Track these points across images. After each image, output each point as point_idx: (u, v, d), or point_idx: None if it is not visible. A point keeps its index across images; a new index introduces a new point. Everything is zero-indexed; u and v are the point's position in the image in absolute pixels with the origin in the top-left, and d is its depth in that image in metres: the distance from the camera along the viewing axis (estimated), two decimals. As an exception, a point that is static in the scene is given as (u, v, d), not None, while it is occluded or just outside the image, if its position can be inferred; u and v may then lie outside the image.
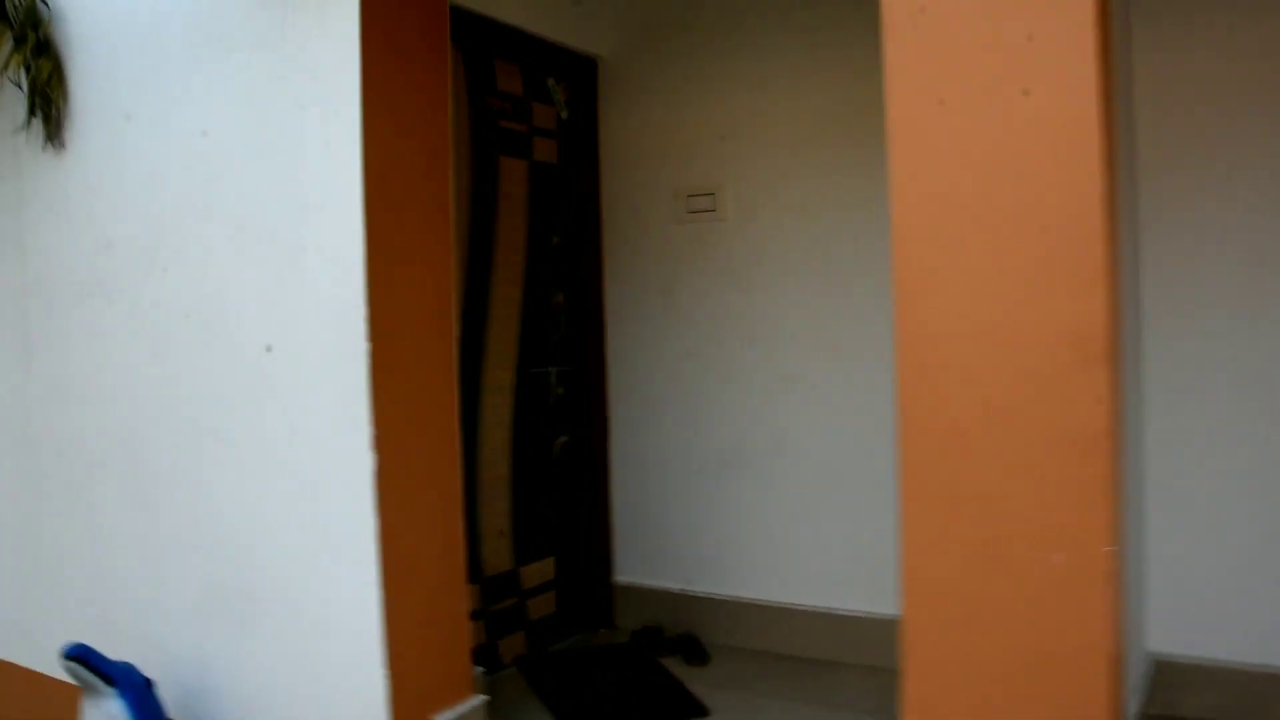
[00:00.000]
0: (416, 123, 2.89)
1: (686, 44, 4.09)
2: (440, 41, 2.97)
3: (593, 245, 4.29)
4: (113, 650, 3.20)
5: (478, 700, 3.03)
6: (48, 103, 3.34)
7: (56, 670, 3.02)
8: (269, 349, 2.91)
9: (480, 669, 3.25)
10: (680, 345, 4.14)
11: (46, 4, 3.37)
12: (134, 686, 2.89)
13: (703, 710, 3.36)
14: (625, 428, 4.31)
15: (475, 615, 3.70)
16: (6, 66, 3.36)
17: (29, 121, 3.42)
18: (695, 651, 3.87)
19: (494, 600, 3.80)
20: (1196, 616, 3.11)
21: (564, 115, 4.20)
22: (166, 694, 3.15)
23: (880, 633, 3.53)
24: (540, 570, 4.06)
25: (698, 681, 3.64)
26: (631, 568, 4.31)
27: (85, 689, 2.86)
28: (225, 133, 2.98)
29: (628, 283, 4.26)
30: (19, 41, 3.32)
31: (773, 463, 3.95)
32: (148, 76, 3.17)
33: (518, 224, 3.95)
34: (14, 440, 3.69)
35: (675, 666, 3.79)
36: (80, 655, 2.84)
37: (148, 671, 3.13)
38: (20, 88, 3.37)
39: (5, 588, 3.77)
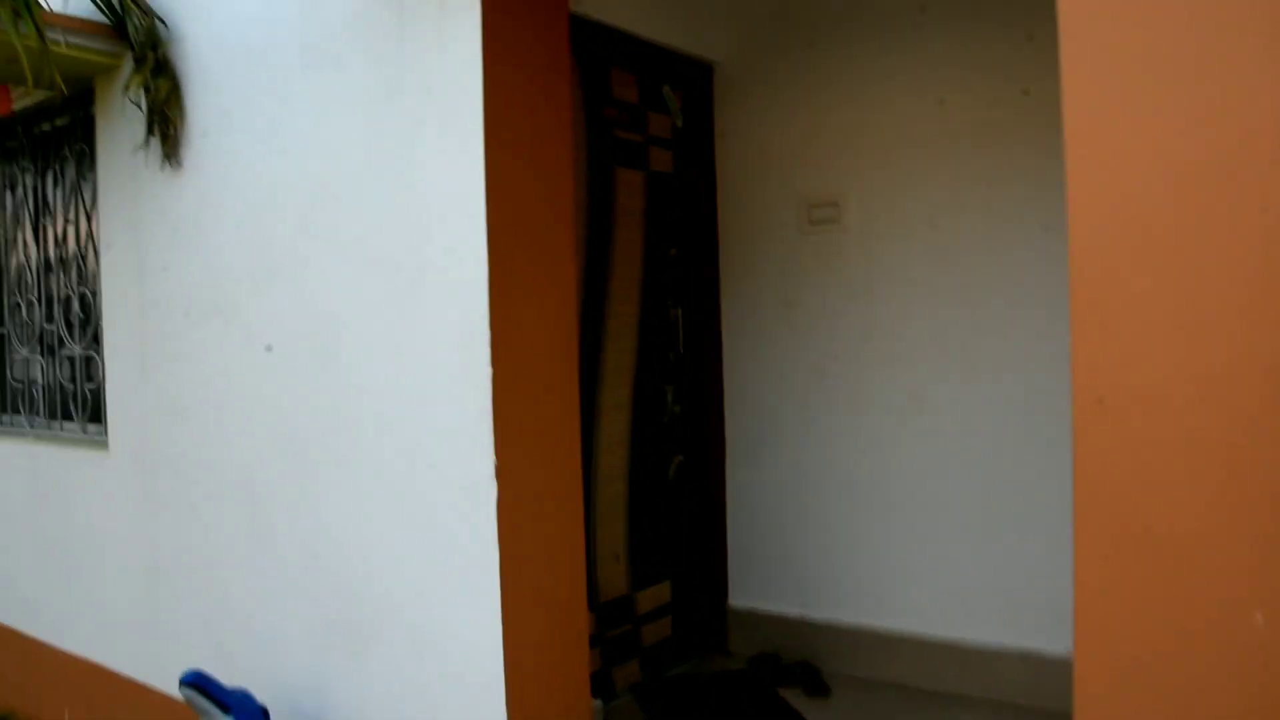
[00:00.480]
0: (539, 139, 2.78)
1: (805, 47, 3.90)
2: (561, 53, 2.85)
3: (709, 258, 4.14)
4: (230, 676, 3.18)
5: (600, 737, 2.91)
6: (165, 122, 3.33)
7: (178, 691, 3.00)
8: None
9: (598, 701, 3.13)
10: (800, 361, 3.96)
11: (165, 24, 3.36)
12: (250, 714, 2.85)
13: (832, 751, 3.19)
14: (742, 446, 4.15)
15: (592, 643, 3.58)
16: (128, 87, 3.36)
17: (147, 141, 3.42)
18: (815, 683, 3.69)
19: (610, 626, 3.68)
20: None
21: (679, 124, 4.05)
22: (281, 716, 3.11)
23: (1009, 666, 3.31)
24: (656, 595, 3.92)
25: (818, 715, 3.46)
26: (747, 591, 4.14)
27: (201, 716, 2.82)
28: (341, 152, 2.91)
29: (745, 296, 4.10)
30: (139, 62, 3.31)
31: (896, 484, 3.74)
32: (262, 96, 3.12)
33: (634, 237, 3.83)
34: (133, 458, 3.70)
35: (795, 699, 3.62)
36: (197, 682, 2.81)
37: (264, 699, 3.09)
38: (139, 107, 3.36)
39: (128, 606, 3.78)
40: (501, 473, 2.61)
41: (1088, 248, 1.82)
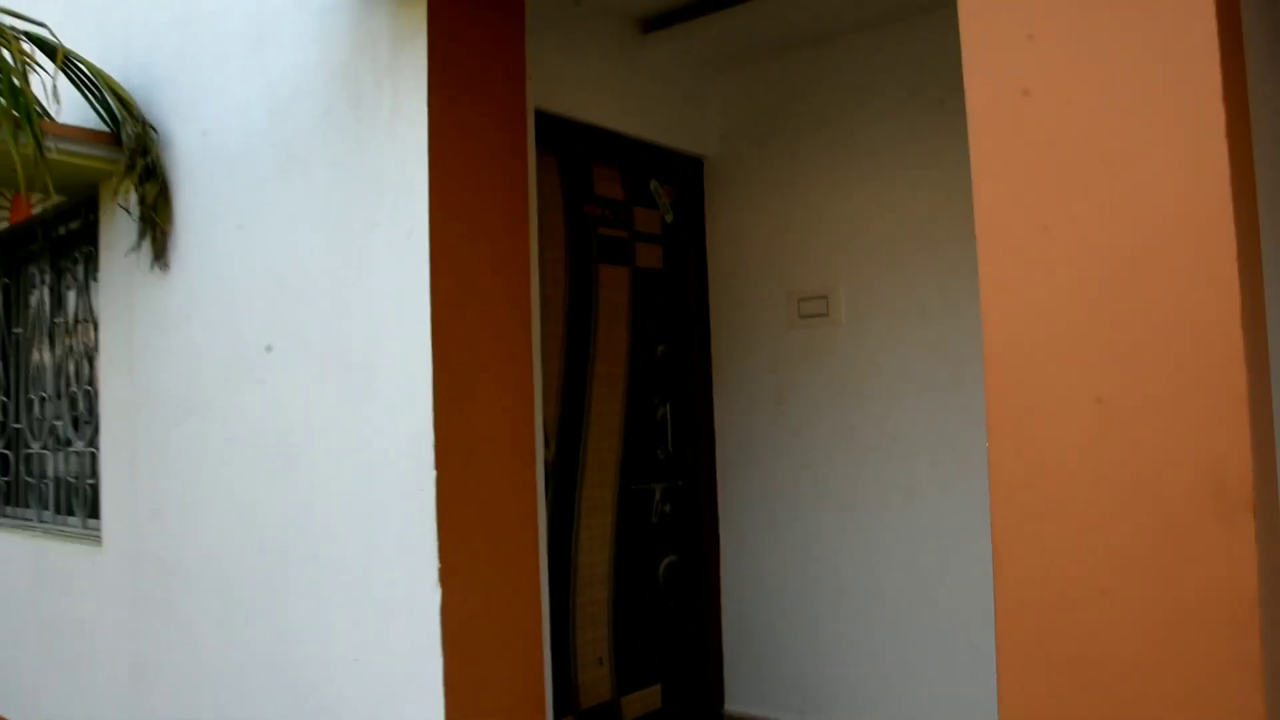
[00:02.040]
0: (493, 236, 2.79)
1: (796, 139, 3.90)
2: (518, 151, 2.88)
3: (701, 353, 4.09)
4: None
5: None
6: (154, 225, 3.43)
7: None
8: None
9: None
10: (793, 458, 3.86)
11: (156, 130, 3.49)
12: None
13: None
14: (736, 546, 4.04)
15: (569, 750, 3.47)
16: (116, 192, 3.48)
17: (139, 243, 3.52)
18: (809, 799, 3.50)
19: (590, 733, 3.56)
20: None
21: (669, 218, 4.06)
22: (242, 829, 3.04)
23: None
24: (644, 699, 3.80)
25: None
26: (744, 696, 3.99)
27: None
28: (305, 253, 2.96)
29: (738, 392, 4.04)
30: (129, 168, 3.44)
31: (889, 582, 3.59)
32: (239, 198, 3.21)
33: (619, 334, 3.80)
34: (122, 554, 3.73)
35: (787, 816, 3.43)
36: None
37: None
38: (128, 212, 3.48)
39: (112, 701, 3.77)
40: (445, 575, 2.56)
41: (1002, 354, 1.75)
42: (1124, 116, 1.58)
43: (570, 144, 3.63)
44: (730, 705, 4.01)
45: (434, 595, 2.55)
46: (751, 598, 3.98)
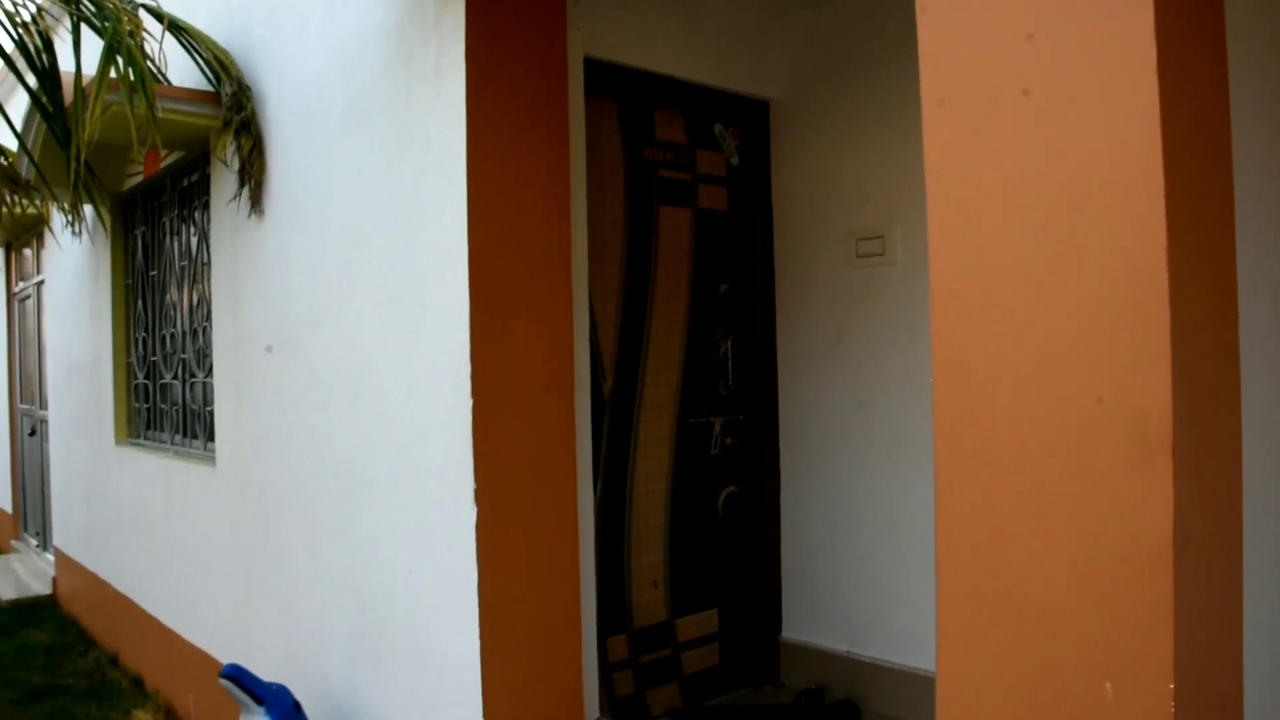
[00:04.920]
0: (532, 182, 2.96)
1: (861, 80, 3.89)
2: (559, 98, 3.03)
3: (765, 291, 4.18)
4: (290, 670, 3.53)
5: (587, 755, 3.02)
6: (249, 176, 3.75)
7: (265, 676, 3.38)
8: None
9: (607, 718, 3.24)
10: (850, 397, 3.93)
11: (249, 88, 3.79)
12: (282, 707, 3.15)
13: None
14: (796, 479, 4.15)
15: (622, 666, 3.70)
16: (215, 146, 3.81)
17: (238, 193, 3.86)
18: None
19: (644, 651, 3.78)
20: None
21: (734, 161, 4.13)
22: (322, 714, 3.41)
23: None
24: (700, 623, 3.98)
25: (848, 756, 3.42)
26: (800, 625, 4.13)
27: (240, 705, 3.15)
28: (371, 201, 3.20)
29: (800, 330, 4.11)
30: (226, 124, 3.76)
31: (943, 524, 3.64)
32: (316, 151, 3.48)
33: (679, 273, 3.93)
34: (231, 476, 4.15)
35: (829, 737, 3.58)
36: (233, 675, 3.14)
37: (308, 695, 3.41)
38: (225, 164, 3.81)
39: (228, 606, 4.23)
40: (480, 496, 2.79)
41: (947, 289, 1.81)
42: (1059, 60, 1.60)
43: (630, 90, 3.75)
44: (788, 633, 4.16)
45: (470, 514, 2.79)
46: (808, 530, 4.09)
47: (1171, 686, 1.50)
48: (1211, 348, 1.70)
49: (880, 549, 3.84)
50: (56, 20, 4.14)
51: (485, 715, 2.78)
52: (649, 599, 3.82)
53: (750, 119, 4.18)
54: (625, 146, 3.76)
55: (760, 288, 4.18)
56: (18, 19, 3.55)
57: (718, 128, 4.08)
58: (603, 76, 3.59)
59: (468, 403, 2.79)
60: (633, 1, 3.67)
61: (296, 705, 3.20)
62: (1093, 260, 1.57)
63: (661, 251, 3.87)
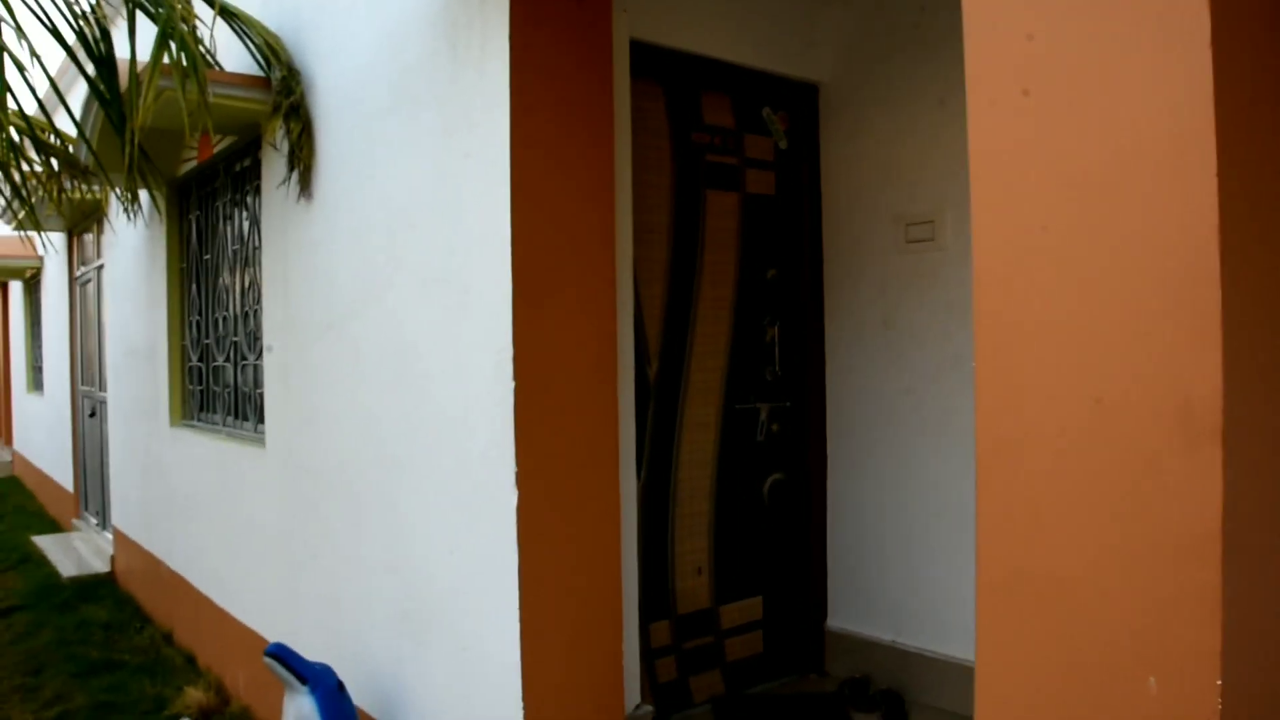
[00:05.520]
0: (575, 165, 2.95)
1: (910, 65, 3.83)
2: (603, 82, 3.01)
3: (813, 276, 4.13)
4: (335, 650, 3.57)
5: (626, 739, 3.02)
6: (298, 160, 3.79)
7: (312, 656, 3.43)
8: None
9: (648, 706, 3.23)
10: (898, 383, 3.88)
11: (298, 72, 3.83)
12: (325, 687, 3.18)
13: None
14: (843, 466, 4.10)
15: (665, 652, 3.69)
16: (265, 130, 3.85)
17: (288, 176, 3.90)
18: (895, 711, 3.60)
19: (687, 637, 3.77)
20: None
21: (783, 145, 4.09)
22: (367, 695, 3.45)
23: None
24: (744, 610, 3.96)
25: (891, 747, 3.38)
26: (846, 613, 4.09)
27: (285, 684, 3.19)
28: (415, 184, 3.21)
29: (848, 315, 4.06)
30: (275, 109, 3.79)
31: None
32: (362, 134, 3.50)
33: (726, 258, 3.90)
34: (279, 457, 4.21)
35: (872, 727, 3.55)
36: (278, 654, 3.18)
37: (352, 674, 3.45)
38: (274, 147, 3.85)
39: (276, 585, 4.30)
40: (521, 479, 2.79)
41: (991, 274, 1.76)
42: (1109, 42, 1.55)
43: (677, 74, 3.72)
44: (833, 621, 4.13)
45: (511, 497, 2.79)
46: (855, 518, 4.05)
47: (1219, 683, 1.45)
48: (1265, 333, 1.63)
49: (927, 537, 3.78)
50: (115, 10, 4.21)
51: (524, 697, 2.79)
52: (692, 585, 3.81)
53: (799, 103, 4.13)
54: (672, 130, 3.73)
55: (808, 273, 4.13)
56: (77, 9, 3.61)
57: (766, 111, 4.04)
58: (649, 60, 3.56)
59: (510, 386, 2.79)
60: (681, -17, 3.64)
61: (340, 685, 3.24)
62: (1139, 243, 1.52)
63: (708, 236, 3.84)
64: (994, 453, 1.76)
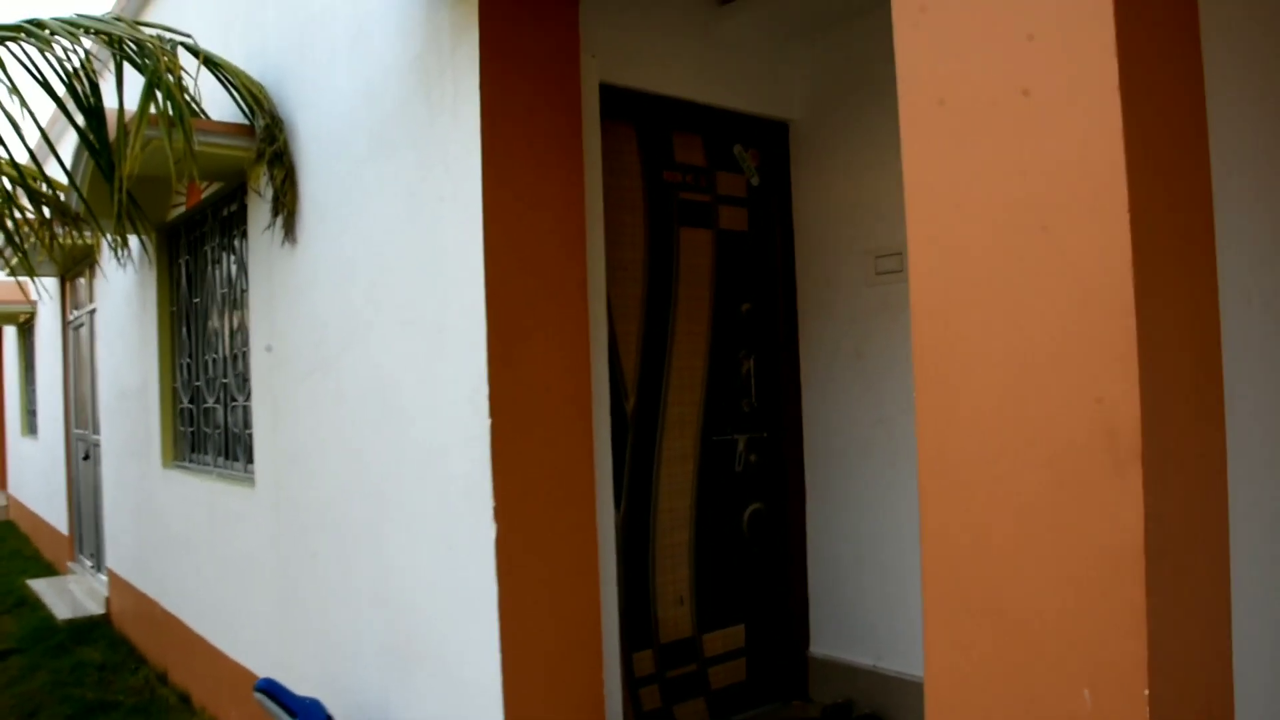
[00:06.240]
0: (548, 206, 3.05)
1: (880, 100, 3.93)
2: (573, 124, 3.12)
3: (787, 309, 4.23)
4: (326, 683, 3.63)
5: (608, 768, 3.07)
6: (282, 205, 3.89)
7: (304, 690, 3.49)
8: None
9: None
10: (873, 412, 3.96)
11: (280, 120, 3.94)
12: (313, 722, 3.24)
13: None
14: (821, 495, 4.18)
15: (648, 680, 3.75)
16: (249, 176, 3.96)
17: (272, 221, 4.00)
18: (876, 737, 3.65)
19: (671, 666, 3.82)
20: None
21: (754, 182, 4.20)
22: (354, 730, 3.50)
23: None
24: (726, 638, 4.02)
25: (871, 771, 3.43)
26: (828, 639, 4.15)
27: (274, 719, 3.25)
28: (394, 227, 3.31)
29: (821, 347, 4.16)
30: (259, 155, 3.90)
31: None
32: (344, 180, 3.60)
33: (700, 293, 4.00)
34: (269, 495, 4.28)
35: (854, 752, 3.60)
36: (267, 689, 3.24)
37: (342, 707, 3.50)
38: (259, 194, 3.95)
39: (265, 622, 4.35)
40: (499, 513, 2.87)
41: (927, 305, 1.85)
42: (1024, 90, 1.65)
43: (649, 115, 3.83)
44: (815, 648, 4.18)
45: (490, 530, 2.86)
46: (834, 545, 4.12)
47: (1146, 693, 1.52)
48: (1188, 357, 1.72)
49: (905, 563, 3.85)
50: (103, 65, 4.33)
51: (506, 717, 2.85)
52: (675, 614, 3.87)
53: (770, 140, 4.24)
54: (644, 169, 3.84)
55: (782, 306, 4.22)
56: (68, 65, 3.72)
57: (737, 149, 4.15)
58: (621, 102, 3.68)
59: (486, 422, 2.87)
60: (649, 29, 3.75)
61: (329, 718, 3.29)
62: (1062, 275, 1.61)
63: (683, 272, 3.94)
64: (936, 478, 1.84)
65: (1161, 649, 1.58)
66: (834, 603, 4.12)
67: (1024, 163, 1.67)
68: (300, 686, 3.77)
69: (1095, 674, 1.59)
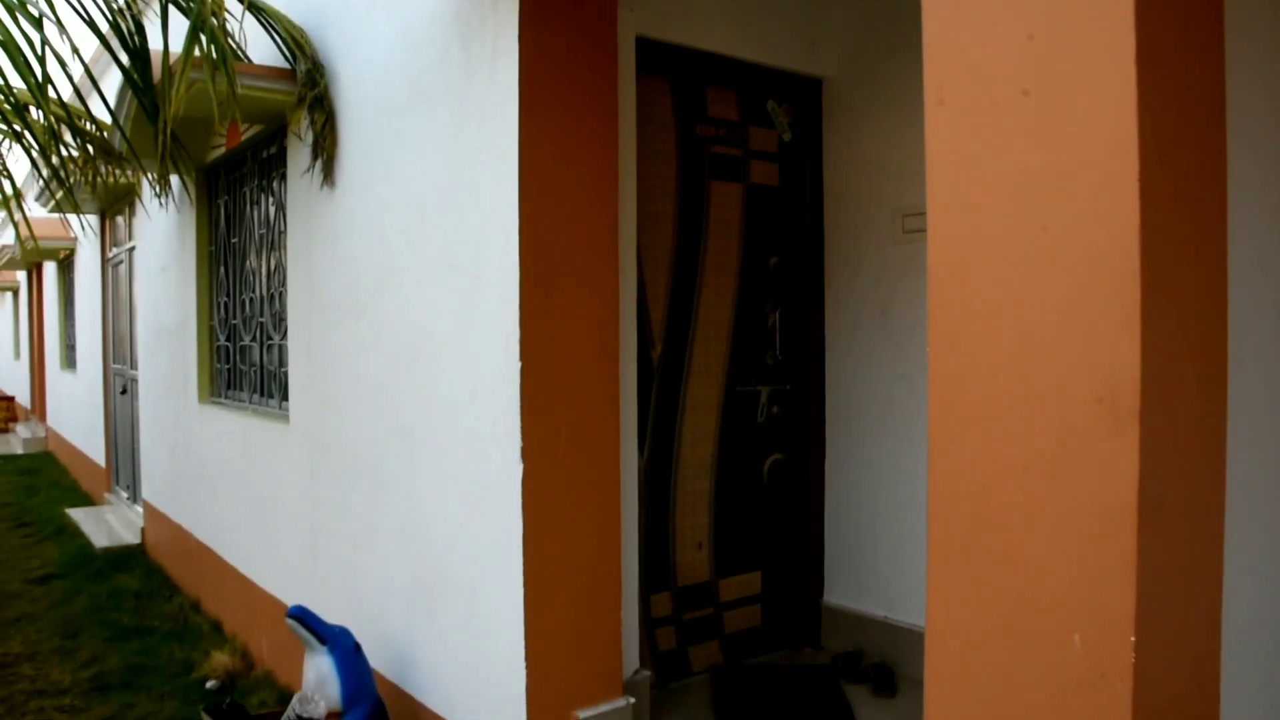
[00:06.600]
0: (581, 158, 3.11)
1: (913, 61, 3.92)
2: (608, 77, 3.17)
3: (814, 265, 4.28)
4: (353, 615, 3.78)
5: (623, 702, 3.20)
6: (321, 149, 3.98)
7: (331, 621, 3.65)
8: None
9: (646, 672, 3.42)
10: (894, 369, 4.03)
11: (322, 65, 4.01)
12: (343, 647, 3.39)
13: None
14: (841, 448, 4.26)
15: (665, 622, 3.87)
16: (290, 120, 4.04)
17: (312, 165, 4.09)
18: (884, 682, 3.77)
19: (687, 609, 3.95)
20: None
21: (786, 137, 4.23)
22: (382, 656, 3.66)
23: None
24: (742, 584, 4.14)
25: (879, 713, 3.55)
26: (842, 590, 4.26)
27: (305, 644, 3.40)
28: (431, 176, 3.39)
29: (847, 303, 4.22)
30: (300, 100, 3.98)
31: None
32: (384, 127, 3.67)
33: (729, 246, 4.06)
34: (302, 432, 4.42)
35: (861, 695, 3.73)
36: (299, 615, 3.38)
37: (369, 639, 3.65)
38: (299, 137, 4.04)
39: (298, 554, 4.51)
40: (526, 454, 2.98)
41: (944, 269, 1.92)
42: (1052, 59, 1.70)
43: (683, 69, 3.87)
44: (829, 597, 4.29)
45: (517, 471, 2.97)
46: (852, 498, 4.21)
47: (1132, 639, 1.61)
48: (1193, 325, 1.78)
49: (919, 517, 3.94)
50: (146, 4, 4.40)
51: (527, 660, 2.98)
52: (693, 559, 3.99)
53: (803, 96, 4.27)
54: (678, 123, 3.89)
55: (810, 261, 4.28)
56: (114, 4, 3.80)
57: (770, 105, 4.18)
58: (656, 56, 3.72)
59: (516, 365, 2.97)
60: (687, -18, 3.78)
61: (356, 646, 3.44)
62: (1073, 247, 1.67)
63: (713, 225, 4.00)
64: (945, 431, 1.92)
65: (1150, 600, 1.66)
66: (849, 554, 4.23)
67: (1041, 132, 1.72)
68: (329, 617, 3.92)
69: (1086, 620, 1.67)
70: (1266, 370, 2.21)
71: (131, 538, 7.80)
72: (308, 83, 3.97)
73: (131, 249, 8.02)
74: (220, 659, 4.85)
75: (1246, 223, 2.13)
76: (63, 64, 3.83)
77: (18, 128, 4.34)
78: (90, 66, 5.61)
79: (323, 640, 3.37)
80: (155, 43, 3.86)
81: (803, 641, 4.27)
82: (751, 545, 4.17)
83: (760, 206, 4.16)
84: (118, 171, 5.38)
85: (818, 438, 4.31)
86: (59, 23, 3.66)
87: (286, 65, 4.19)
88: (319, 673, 3.34)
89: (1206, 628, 1.90)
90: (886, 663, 3.93)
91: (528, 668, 2.98)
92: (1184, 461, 1.76)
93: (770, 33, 4.09)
